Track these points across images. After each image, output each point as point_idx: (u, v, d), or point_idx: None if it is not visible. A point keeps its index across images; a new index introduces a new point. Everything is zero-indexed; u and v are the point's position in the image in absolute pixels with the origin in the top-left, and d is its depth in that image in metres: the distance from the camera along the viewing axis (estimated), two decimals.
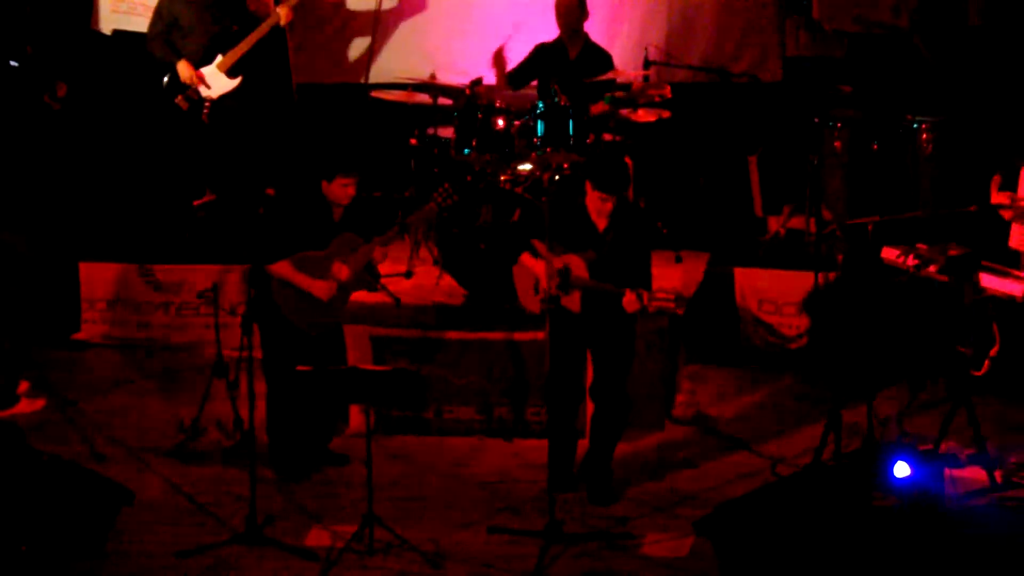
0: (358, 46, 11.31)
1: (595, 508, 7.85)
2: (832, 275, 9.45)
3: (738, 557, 6.91)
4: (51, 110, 10.50)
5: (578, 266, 7.93)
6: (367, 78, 10.57)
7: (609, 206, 7.96)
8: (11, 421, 8.71)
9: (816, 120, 10.12)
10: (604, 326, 8.02)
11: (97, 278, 10.25)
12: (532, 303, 8.04)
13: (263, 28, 10.05)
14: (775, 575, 6.82)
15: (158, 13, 10.23)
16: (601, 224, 8.02)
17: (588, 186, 8.01)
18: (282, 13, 10.02)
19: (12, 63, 10.54)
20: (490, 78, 10.62)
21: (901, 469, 7.34)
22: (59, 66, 10.77)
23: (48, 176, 10.54)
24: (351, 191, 8.23)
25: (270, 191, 10.54)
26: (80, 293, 10.25)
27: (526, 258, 8.04)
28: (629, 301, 7.72)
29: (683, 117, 10.68)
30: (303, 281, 8.17)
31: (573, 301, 7.95)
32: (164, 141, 10.44)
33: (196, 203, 10.46)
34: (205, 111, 10.19)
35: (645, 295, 7.72)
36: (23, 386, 9.35)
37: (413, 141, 10.21)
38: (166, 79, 10.14)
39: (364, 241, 8.26)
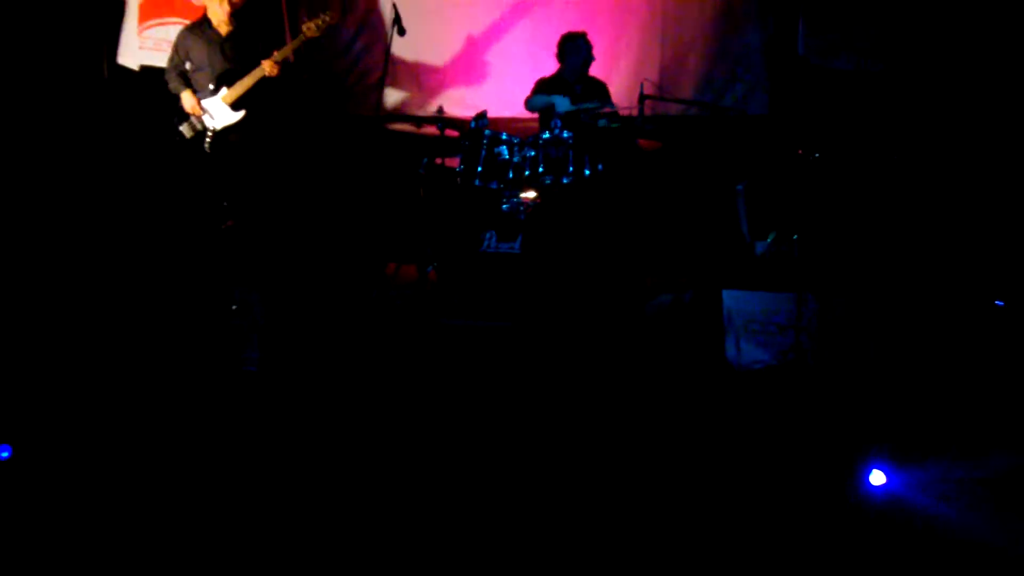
0: (372, 82, 11.48)
1: None
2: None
3: None
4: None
5: None
6: (379, 112, 10.65)
7: None
8: None
9: (800, 151, 10.24)
10: None
11: None
12: None
13: (256, 74, 10.15)
14: None
15: (175, 49, 10.37)
16: None
17: None
18: (267, 66, 10.13)
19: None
20: (494, 111, 10.75)
21: (877, 477, 7.44)
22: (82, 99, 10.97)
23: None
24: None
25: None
26: None
27: None
28: None
29: (676, 147, 10.87)
30: None
31: None
32: (189, 168, 10.54)
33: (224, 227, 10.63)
34: (207, 141, 10.31)
35: None
36: None
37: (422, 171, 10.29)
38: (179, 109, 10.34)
39: None
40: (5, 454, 7.38)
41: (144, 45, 11.09)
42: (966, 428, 7.83)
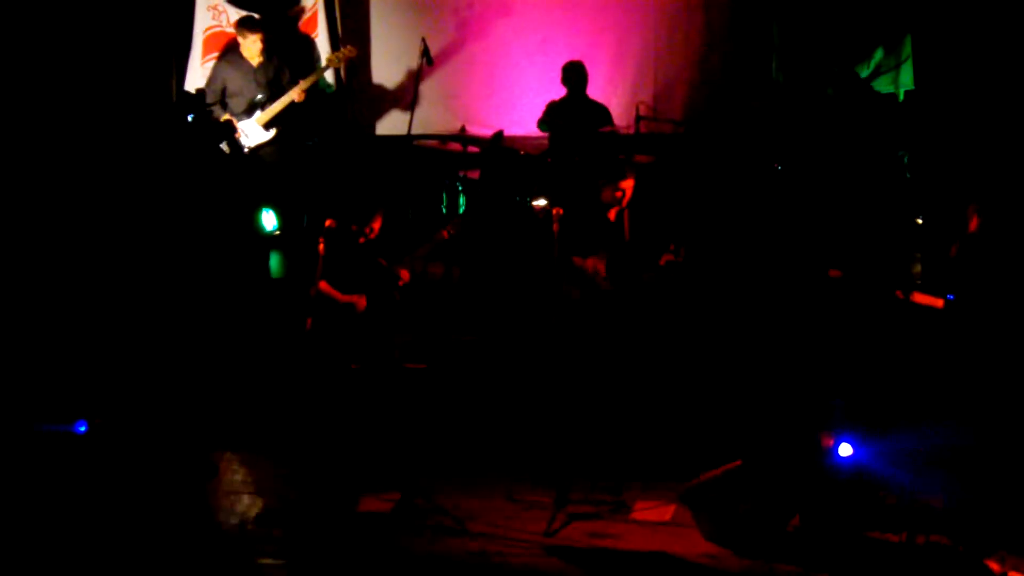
0: (403, 104, 11.36)
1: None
2: None
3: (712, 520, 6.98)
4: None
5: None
6: (410, 130, 10.64)
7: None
8: None
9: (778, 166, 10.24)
10: None
11: None
12: None
13: (286, 99, 10.23)
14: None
15: (211, 77, 10.54)
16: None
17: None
18: (295, 94, 10.19)
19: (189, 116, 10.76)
20: (510, 130, 10.69)
21: (845, 449, 7.37)
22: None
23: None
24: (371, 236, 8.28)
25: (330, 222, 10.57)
26: None
27: None
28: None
29: (667, 161, 10.79)
30: (339, 296, 8.19)
31: None
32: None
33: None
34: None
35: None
36: None
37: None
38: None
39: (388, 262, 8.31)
40: (82, 428, 7.22)
41: (205, 74, 11.00)
42: (920, 407, 7.69)
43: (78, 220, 9.84)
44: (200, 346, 8.87)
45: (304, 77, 10.30)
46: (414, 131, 10.72)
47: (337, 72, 10.99)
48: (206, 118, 10.63)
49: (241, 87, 10.39)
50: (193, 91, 11.06)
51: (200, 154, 10.70)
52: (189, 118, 10.68)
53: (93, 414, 7.35)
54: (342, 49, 10.48)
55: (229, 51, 10.62)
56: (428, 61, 10.47)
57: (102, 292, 9.23)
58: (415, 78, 10.50)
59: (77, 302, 9.04)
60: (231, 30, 10.85)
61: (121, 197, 10.28)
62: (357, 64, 11.14)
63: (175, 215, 10.37)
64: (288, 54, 10.76)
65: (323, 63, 10.68)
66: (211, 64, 10.87)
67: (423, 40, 10.46)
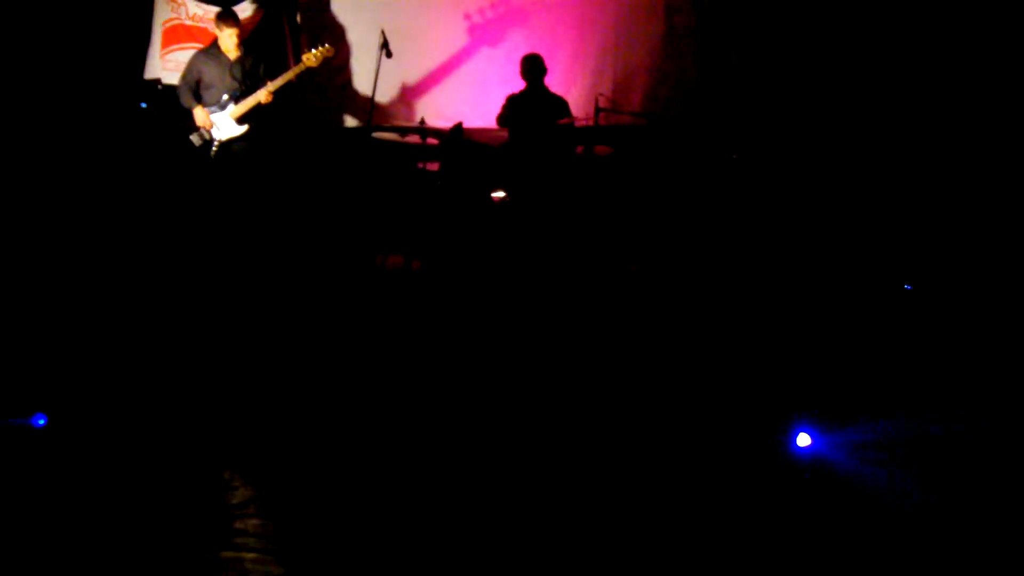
0: (362, 97, 11.35)
1: None
2: None
3: None
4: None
5: None
6: (369, 123, 10.61)
7: None
8: None
9: (735, 156, 10.27)
10: None
11: None
12: None
13: (253, 99, 10.19)
14: None
15: (188, 68, 10.42)
16: None
17: None
18: (262, 95, 10.17)
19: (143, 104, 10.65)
20: (469, 122, 10.68)
21: (803, 439, 7.35)
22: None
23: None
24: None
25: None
26: None
27: None
28: None
29: (626, 153, 10.81)
30: None
31: None
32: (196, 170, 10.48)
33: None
34: (214, 150, 10.29)
35: None
36: None
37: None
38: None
39: None
40: (41, 422, 7.15)
41: (166, 67, 11.01)
42: (880, 398, 7.73)
43: (42, 211, 9.78)
44: (162, 337, 8.81)
45: (280, 73, 10.25)
46: (374, 123, 10.69)
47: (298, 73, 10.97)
48: (161, 108, 10.57)
49: (216, 79, 10.33)
50: (159, 85, 11.01)
51: (157, 144, 10.68)
52: (142, 105, 10.61)
53: (53, 406, 7.30)
54: (319, 48, 10.35)
55: (211, 44, 10.49)
56: (387, 53, 10.41)
57: (62, 282, 9.17)
58: (374, 70, 10.43)
59: (38, 293, 8.98)
60: (190, 22, 10.81)
61: (88, 186, 10.24)
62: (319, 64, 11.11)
63: (139, 206, 10.34)
64: (264, 50, 10.72)
65: (301, 60, 10.61)
66: (171, 56, 10.82)
67: (382, 32, 10.40)
